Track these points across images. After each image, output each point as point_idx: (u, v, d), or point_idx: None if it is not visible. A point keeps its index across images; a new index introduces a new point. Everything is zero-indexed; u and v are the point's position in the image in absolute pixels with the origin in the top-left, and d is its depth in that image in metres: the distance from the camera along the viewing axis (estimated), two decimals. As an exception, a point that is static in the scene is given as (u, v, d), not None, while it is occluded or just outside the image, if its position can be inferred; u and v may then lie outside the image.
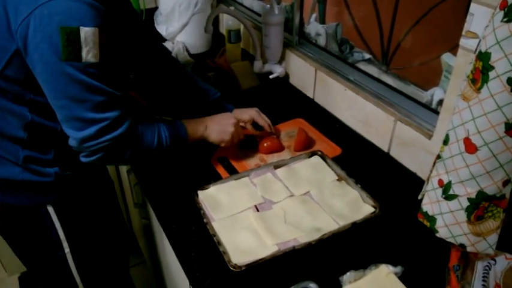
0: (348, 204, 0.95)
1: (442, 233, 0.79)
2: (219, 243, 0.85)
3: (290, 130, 1.25)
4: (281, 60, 1.54)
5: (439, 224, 0.79)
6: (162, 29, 1.77)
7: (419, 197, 0.86)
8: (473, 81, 0.68)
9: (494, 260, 0.78)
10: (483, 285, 0.76)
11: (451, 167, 0.74)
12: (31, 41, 0.76)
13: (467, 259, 0.80)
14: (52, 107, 0.85)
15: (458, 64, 0.89)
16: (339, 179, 1.04)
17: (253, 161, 1.12)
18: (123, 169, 1.54)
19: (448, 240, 0.78)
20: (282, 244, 0.85)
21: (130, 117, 0.90)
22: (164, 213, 0.97)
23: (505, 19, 0.62)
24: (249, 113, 1.17)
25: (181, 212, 0.96)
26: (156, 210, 1.00)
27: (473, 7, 0.81)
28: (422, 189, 0.86)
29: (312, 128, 1.26)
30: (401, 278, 0.79)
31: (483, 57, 0.66)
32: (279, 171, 1.06)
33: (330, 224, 0.90)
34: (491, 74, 0.65)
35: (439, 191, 0.78)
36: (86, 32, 0.76)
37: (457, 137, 0.72)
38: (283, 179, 1.03)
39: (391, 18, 1.26)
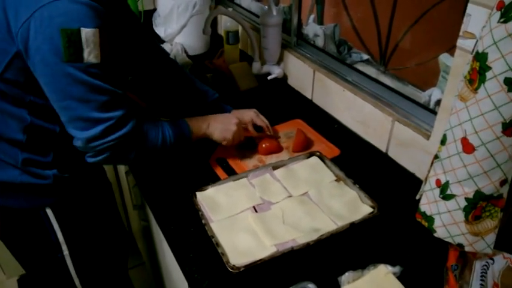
0: (346, 205, 0.95)
1: (440, 232, 0.79)
2: (218, 244, 0.85)
3: (288, 131, 1.25)
4: (279, 61, 1.55)
5: (437, 223, 0.79)
6: (160, 30, 1.77)
7: (417, 197, 0.87)
8: (471, 81, 0.69)
9: (492, 260, 0.78)
10: (481, 284, 0.76)
11: (449, 167, 0.74)
12: (32, 44, 0.76)
13: (466, 259, 0.80)
14: (55, 108, 0.85)
15: (456, 64, 0.89)
16: (337, 180, 1.04)
17: (251, 162, 1.13)
18: (122, 171, 1.54)
19: (446, 240, 0.79)
20: (281, 245, 0.86)
21: (135, 116, 0.90)
22: (163, 214, 0.97)
23: (502, 19, 0.62)
24: (248, 114, 1.17)
25: (179, 213, 0.97)
26: (154, 211, 1.00)
27: (471, 7, 0.82)
28: (420, 189, 0.86)
29: (310, 128, 1.27)
30: (400, 278, 0.80)
31: (480, 58, 0.66)
32: (277, 172, 1.06)
33: (328, 225, 0.90)
34: (488, 74, 0.65)
35: (437, 191, 0.78)
36: (87, 33, 0.77)
37: (454, 137, 0.73)
38: (281, 180, 1.03)
39: (389, 19, 1.26)
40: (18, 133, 0.90)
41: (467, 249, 0.77)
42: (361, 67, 1.30)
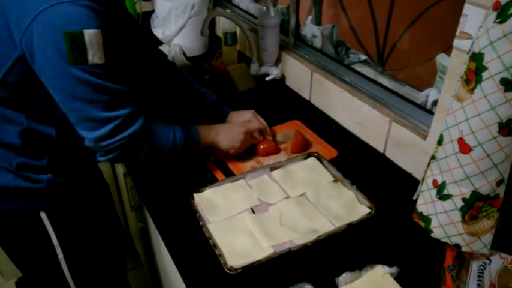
0: (343, 206, 0.95)
1: (437, 233, 0.79)
2: (215, 245, 0.85)
3: (286, 132, 1.25)
4: (277, 62, 1.55)
5: (434, 224, 0.79)
6: (158, 32, 1.77)
7: (414, 198, 0.87)
8: (467, 81, 0.69)
9: (489, 260, 0.78)
10: (478, 284, 0.76)
11: (446, 167, 0.74)
12: (36, 48, 0.77)
13: (463, 259, 0.80)
14: (64, 111, 0.86)
15: (453, 65, 0.89)
16: (335, 181, 1.04)
17: (249, 163, 1.13)
18: (120, 172, 1.53)
19: (443, 240, 0.79)
20: (278, 246, 0.85)
21: (144, 114, 0.91)
22: (160, 216, 0.97)
23: (498, 20, 0.62)
24: (246, 116, 1.17)
25: (177, 215, 0.96)
26: (152, 213, 1.00)
27: (467, 8, 0.82)
28: (417, 190, 0.86)
29: (308, 129, 1.27)
30: (397, 278, 0.79)
31: (476, 58, 0.66)
32: (275, 173, 1.06)
33: (325, 226, 0.90)
34: (485, 74, 0.65)
35: (434, 191, 0.78)
36: (90, 35, 0.77)
37: (451, 138, 0.73)
38: (279, 181, 1.03)
39: (387, 20, 1.27)
40: (14, 137, 0.90)
41: (464, 249, 0.77)
42: (358, 68, 1.30)
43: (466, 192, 0.73)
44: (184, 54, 1.73)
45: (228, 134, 1.07)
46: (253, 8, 1.79)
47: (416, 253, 0.86)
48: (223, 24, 1.59)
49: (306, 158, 1.10)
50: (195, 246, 0.88)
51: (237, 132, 1.08)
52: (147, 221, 1.33)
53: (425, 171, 0.82)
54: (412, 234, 0.89)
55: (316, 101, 1.41)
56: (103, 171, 1.29)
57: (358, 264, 0.82)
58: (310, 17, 1.53)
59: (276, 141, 1.21)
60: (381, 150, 1.18)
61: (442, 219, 0.77)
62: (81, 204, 1.08)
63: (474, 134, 0.68)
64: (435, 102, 1.04)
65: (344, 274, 0.80)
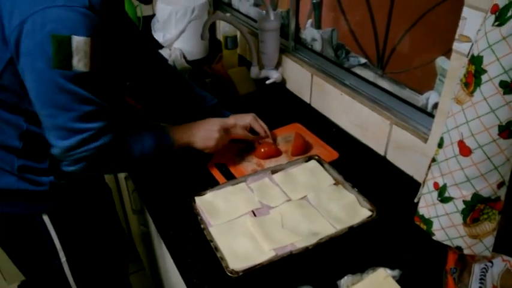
0: (345, 208, 0.95)
1: (438, 235, 0.79)
2: (216, 248, 0.85)
3: (287, 135, 1.26)
4: (277, 65, 1.55)
5: (435, 226, 0.79)
6: (159, 36, 1.78)
7: (416, 200, 0.87)
8: (466, 84, 0.69)
9: (491, 262, 0.78)
10: (480, 287, 0.76)
11: (446, 169, 0.75)
12: (23, 48, 0.76)
13: (464, 261, 0.80)
14: (38, 115, 0.85)
15: (452, 68, 0.89)
16: (336, 183, 1.04)
17: (250, 166, 1.13)
18: (121, 176, 1.54)
19: (444, 243, 0.79)
20: (279, 249, 0.86)
21: (115, 130, 0.89)
22: (162, 219, 0.97)
23: (496, 23, 0.62)
24: (246, 119, 1.17)
25: (178, 218, 0.97)
26: (153, 216, 1.00)
27: (466, 11, 0.82)
28: (418, 193, 0.87)
29: (308, 132, 1.27)
30: (399, 281, 0.80)
31: (475, 61, 0.66)
32: (276, 176, 1.06)
33: (327, 228, 0.90)
34: (484, 77, 0.65)
35: (435, 193, 0.78)
36: (78, 41, 0.76)
37: (451, 140, 0.73)
38: (280, 184, 1.04)
39: (386, 23, 1.27)
40: (14, 140, 0.90)
41: (466, 252, 0.77)
42: (358, 71, 1.30)
43: (467, 194, 0.73)
44: (184, 57, 1.74)
45: (202, 133, 1.05)
46: (253, 11, 1.80)
47: (418, 256, 0.86)
48: (224, 28, 1.60)
49: (306, 160, 1.11)
50: (197, 249, 0.88)
51: (211, 131, 1.06)
52: (148, 224, 1.33)
53: (426, 174, 0.82)
54: (413, 237, 0.89)
55: (317, 104, 1.41)
56: (105, 175, 1.30)
57: (360, 267, 0.82)
58: (310, 21, 1.54)
59: (277, 144, 1.21)
60: (381, 153, 1.18)
61: (444, 222, 0.77)
62: (83, 207, 1.08)
63: (474, 136, 0.68)
64: (435, 105, 1.04)
65: (346, 277, 0.80)
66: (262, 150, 1.15)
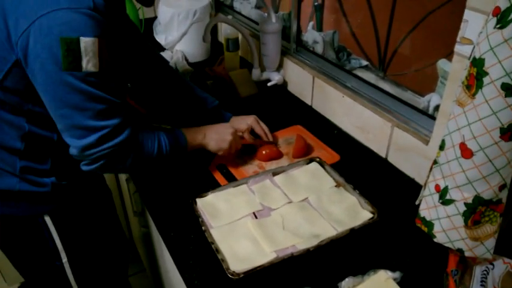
0: (346, 210, 0.95)
1: (439, 238, 0.79)
2: (218, 250, 0.85)
3: (288, 137, 1.26)
4: (279, 67, 1.55)
5: (436, 229, 0.79)
6: (161, 38, 1.78)
7: (417, 202, 0.87)
8: (468, 87, 0.69)
9: (492, 265, 0.78)
10: (481, 290, 0.76)
11: (448, 172, 0.75)
12: (31, 52, 0.77)
13: (466, 264, 0.80)
14: (52, 117, 0.85)
15: (454, 70, 0.90)
16: (337, 185, 1.04)
17: (251, 168, 1.13)
18: (123, 178, 1.54)
19: (445, 245, 0.78)
20: (281, 251, 0.86)
21: (131, 125, 0.91)
22: (163, 221, 0.97)
23: (498, 25, 0.62)
24: (248, 121, 1.17)
25: (179, 219, 0.97)
26: (154, 218, 1.00)
27: (468, 13, 0.82)
28: (420, 195, 0.86)
29: (310, 134, 1.27)
30: (400, 283, 0.79)
31: (477, 64, 0.66)
32: (277, 178, 1.06)
33: (328, 230, 0.90)
34: (486, 79, 0.65)
35: (436, 196, 0.78)
36: (86, 42, 0.77)
37: (453, 142, 0.73)
38: (281, 186, 1.04)
39: (388, 25, 1.27)
40: (16, 141, 0.90)
41: (467, 254, 0.76)
42: (360, 73, 1.30)
43: (469, 197, 0.73)
44: (186, 60, 1.74)
45: (215, 135, 1.06)
46: (254, 14, 1.80)
47: (419, 258, 0.86)
48: (225, 30, 1.60)
49: (308, 162, 1.11)
50: (198, 251, 0.88)
51: (224, 133, 1.07)
52: (149, 226, 1.33)
53: (428, 176, 0.82)
54: (414, 239, 0.89)
55: (318, 106, 1.42)
56: (105, 176, 1.30)
57: (361, 269, 0.82)
58: (311, 23, 1.54)
59: (278, 146, 1.21)
60: (383, 155, 1.18)
61: (445, 224, 0.77)
62: (84, 209, 1.08)
63: (476, 138, 0.68)
64: (437, 107, 1.04)
65: (347, 279, 0.80)
66: (264, 152, 1.15)
